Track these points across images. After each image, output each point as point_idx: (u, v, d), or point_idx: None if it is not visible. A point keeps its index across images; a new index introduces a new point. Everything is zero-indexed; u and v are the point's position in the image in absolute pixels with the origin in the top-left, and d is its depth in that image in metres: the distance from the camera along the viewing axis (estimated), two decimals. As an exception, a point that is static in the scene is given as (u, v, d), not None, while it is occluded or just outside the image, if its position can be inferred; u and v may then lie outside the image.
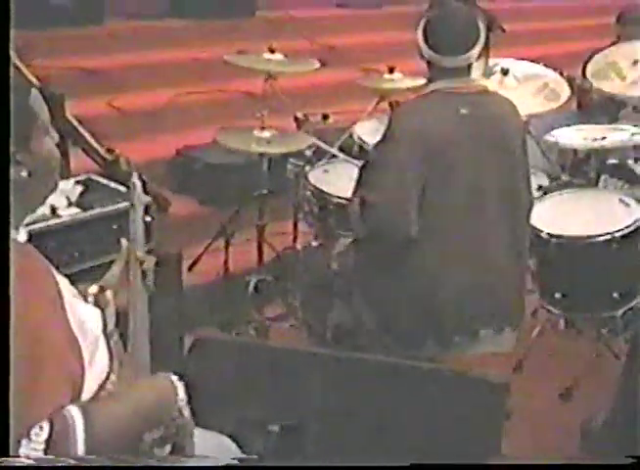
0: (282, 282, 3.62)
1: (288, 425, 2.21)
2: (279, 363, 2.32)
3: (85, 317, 1.47)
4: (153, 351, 1.73)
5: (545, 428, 2.93)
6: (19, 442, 1.21)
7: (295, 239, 3.73)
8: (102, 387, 1.47)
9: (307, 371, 2.30)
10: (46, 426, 1.25)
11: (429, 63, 2.55)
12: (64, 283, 1.47)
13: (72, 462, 1.23)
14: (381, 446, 2.17)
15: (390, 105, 2.80)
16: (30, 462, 1.19)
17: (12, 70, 1.46)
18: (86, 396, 1.41)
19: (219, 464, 1.53)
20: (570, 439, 2.75)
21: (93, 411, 1.33)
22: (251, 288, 3.36)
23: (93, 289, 1.74)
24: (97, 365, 1.46)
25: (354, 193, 2.69)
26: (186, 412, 1.52)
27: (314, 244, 3.55)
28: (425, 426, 2.16)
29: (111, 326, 1.66)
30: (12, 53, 3.62)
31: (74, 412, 1.30)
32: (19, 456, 1.18)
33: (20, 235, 1.48)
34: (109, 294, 1.76)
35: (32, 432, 1.23)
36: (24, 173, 1.44)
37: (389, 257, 2.51)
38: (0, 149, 1.34)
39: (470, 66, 2.54)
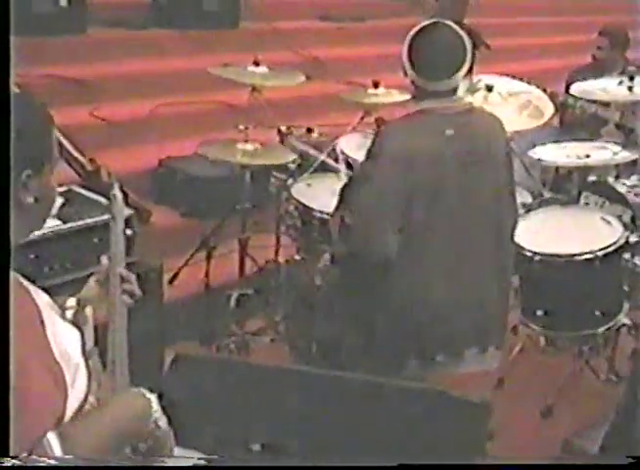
0: (263, 296, 3.60)
1: (269, 444, 2.19)
2: (260, 381, 2.30)
3: (67, 343, 1.45)
4: (132, 366, 1.71)
5: (526, 445, 2.92)
6: None
7: (277, 252, 3.72)
8: (80, 408, 1.45)
9: (288, 389, 2.28)
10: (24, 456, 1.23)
11: (413, 83, 2.53)
12: (44, 303, 1.45)
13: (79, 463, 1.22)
14: (362, 464, 2.16)
15: (377, 123, 2.78)
16: (31, 462, 1.17)
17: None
18: (64, 419, 1.39)
19: (216, 464, 1.52)
20: (550, 456, 2.75)
21: (69, 434, 1.31)
22: (232, 302, 3.34)
23: (71, 302, 1.73)
24: (77, 388, 1.44)
25: (335, 211, 2.68)
26: (162, 423, 1.51)
27: (297, 257, 3.55)
28: (406, 445, 2.15)
29: (89, 345, 1.64)
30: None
31: (51, 438, 1.28)
32: (17, 457, 1.16)
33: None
34: (88, 311, 1.74)
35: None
36: (31, 199, 1.42)
37: (371, 275, 2.50)
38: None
39: (456, 87, 2.53)
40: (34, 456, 1.25)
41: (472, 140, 2.51)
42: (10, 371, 1.19)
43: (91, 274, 1.82)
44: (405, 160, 2.40)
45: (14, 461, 1.18)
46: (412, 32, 2.49)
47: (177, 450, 1.60)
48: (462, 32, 2.50)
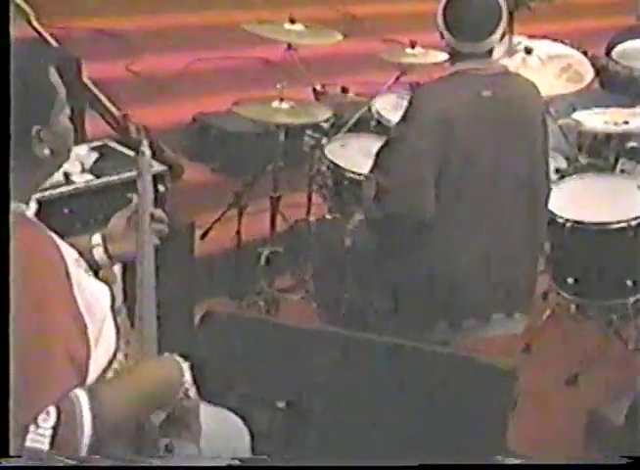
0: (293, 254, 3.62)
1: (294, 402, 2.22)
2: (288, 340, 2.33)
3: (93, 297, 1.46)
4: (161, 322, 1.72)
5: (550, 413, 2.93)
6: (26, 428, 1.21)
7: (308, 211, 3.72)
8: (109, 365, 1.47)
9: (315, 349, 2.30)
10: (53, 412, 1.25)
11: (449, 44, 2.51)
12: (72, 259, 1.46)
13: (72, 462, 1.23)
14: (385, 426, 2.18)
15: (411, 86, 2.76)
16: (30, 463, 1.19)
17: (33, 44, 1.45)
18: (93, 375, 1.41)
19: (221, 464, 1.53)
20: (575, 425, 2.76)
21: (99, 393, 1.33)
22: (262, 260, 3.35)
23: (96, 238, 1.75)
24: (104, 344, 1.46)
25: (370, 173, 2.67)
26: (192, 393, 1.52)
27: (328, 217, 3.55)
28: (431, 409, 2.17)
29: (118, 302, 1.64)
30: (30, 12, 3.59)
31: (80, 395, 1.30)
32: (20, 456, 1.18)
33: (29, 209, 1.48)
34: (116, 269, 1.76)
35: (40, 418, 1.23)
36: (47, 151, 1.44)
37: (404, 239, 2.50)
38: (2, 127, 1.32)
39: (491, 49, 2.50)
40: (61, 408, 1.26)
41: (508, 103, 2.49)
42: (10, 371, 1.19)
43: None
44: (441, 121, 2.40)
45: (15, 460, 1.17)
46: None
47: (203, 407, 1.61)
48: None
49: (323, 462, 2.08)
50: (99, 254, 1.72)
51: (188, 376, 1.52)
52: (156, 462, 1.43)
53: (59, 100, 1.48)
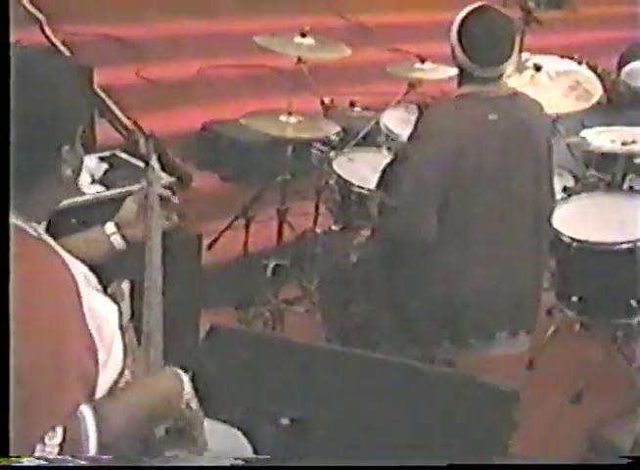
0: (300, 265, 3.63)
1: (298, 419, 2.23)
2: (292, 357, 2.34)
3: (103, 317, 1.47)
4: (167, 333, 1.73)
5: (554, 431, 2.94)
6: (33, 449, 1.22)
7: (315, 221, 3.74)
8: (116, 384, 1.48)
9: (320, 366, 2.32)
10: (59, 429, 1.26)
11: (460, 66, 2.51)
12: (81, 276, 1.47)
13: (82, 462, 1.25)
14: (387, 444, 2.19)
15: (419, 107, 2.77)
16: (31, 463, 1.21)
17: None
18: (99, 394, 1.42)
19: (223, 464, 1.55)
20: (578, 443, 2.76)
21: (103, 409, 1.34)
22: (268, 271, 3.37)
23: (110, 227, 1.78)
24: (112, 364, 1.47)
25: (375, 190, 2.69)
26: (193, 404, 1.53)
27: (334, 228, 3.56)
28: (433, 428, 2.18)
29: (126, 320, 1.66)
30: (42, 18, 3.60)
31: (85, 412, 1.31)
32: (19, 456, 1.20)
33: (39, 228, 1.49)
34: (124, 286, 1.77)
35: (46, 436, 1.24)
36: (69, 172, 1.45)
37: (409, 257, 2.52)
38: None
39: (503, 73, 2.51)
40: (67, 425, 1.27)
41: (514, 126, 2.50)
42: (10, 371, 1.20)
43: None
44: (447, 144, 2.41)
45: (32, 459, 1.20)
46: (461, 15, 2.46)
47: (206, 424, 1.63)
48: (511, 17, 2.48)
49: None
50: (117, 241, 1.76)
51: (188, 387, 1.53)
52: (157, 462, 1.44)
53: (82, 119, 1.50)
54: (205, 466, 1.56)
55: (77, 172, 1.50)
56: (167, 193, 1.82)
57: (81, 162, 1.52)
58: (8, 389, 1.19)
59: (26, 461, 1.21)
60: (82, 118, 1.49)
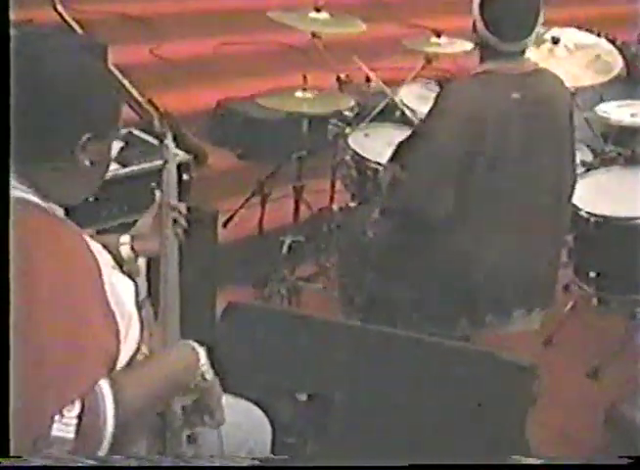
0: (316, 242, 3.63)
1: (315, 394, 2.24)
2: (310, 333, 2.34)
3: (122, 293, 1.48)
4: (184, 311, 1.74)
5: (571, 407, 2.94)
6: (52, 419, 1.23)
7: (331, 199, 3.73)
8: (132, 359, 1.49)
9: (337, 342, 2.32)
10: (77, 402, 1.27)
11: (482, 41, 2.45)
12: (99, 253, 1.48)
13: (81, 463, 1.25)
14: (404, 420, 2.20)
15: (439, 82, 2.73)
16: (32, 463, 1.21)
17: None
18: (116, 369, 1.43)
19: (230, 464, 1.55)
20: (595, 418, 2.76)
21: (120, 381, 1.35)
22: (285, 248, 3.36)
23: (125, 238, 1.78)
24: (130, 339, 1.48)
25: (388, 163, 2.67)
26: (209, 376, 1.54)
27: (351, 205, 3.55)
28: (450, 404, 2.18)
29: (142, 296, 1.67)
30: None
31: (103, 385, 1.32)
32: (20, 457, 1.20)
33: (59, 210, 1.49)
34: (141, 262, 1.78)
35: (65, 409, 1.26)
36: (87, 162, 1.44)
37: (423, 232, 2.50)
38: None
39: (526, 48, 2.46)
40: (85, 398, 1.28)
41: (537, 104, 2.46)
42: (10, 371, 1.21)
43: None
44: (469, 123, 2.37)
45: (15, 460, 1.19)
46: None
47: (225, 399, 1.63)
48: None
49: (343, 455, 2.12)
50: (126, 251, 1.75)
51: (204, 359, 1.54)
52: (176, 462, 1.45)
53: (110, 106, 1.49)
54: (224, 466, 1.55)
55: (99, 167, 1.49)
56: (179, 204, 1.82)
57: (105, 158, 1.52)
58: (8, 389, 1.20)
59: (30, 460, 1.21)
60: (108, 105, 1.48)
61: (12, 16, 1.45)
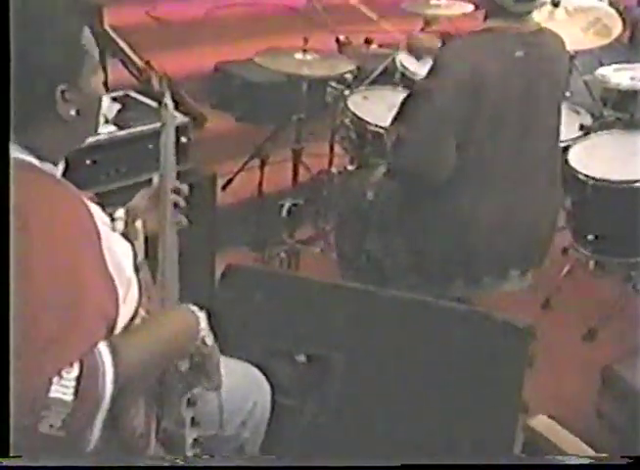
0: (315, 205, 3.63)
1: (314, 355, 2.25)
2: (308, 295, 2.35)
3: (120, 257, 1.48)
4: (182, 275, 1.74)
5: (567, 368, 2.96)
6: (50, 381, 1.23)
7: (330, 162, 3.72)
8: (131, 321, 1.49)
9: (335, 304, 2.33)
10: (76, 364, 1.27)
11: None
12: (98, 216, 1.48)
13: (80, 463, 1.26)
14: (402, 381, 2.21)
15: (442, 37, 2.69)
16: (32, 463, 1.22)
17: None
18: (116, 331, 1.43)
19: (230, 464, 1.55)
20: (591, 380, 2.78)
21: (119, 344, 1.35)
22: (284, 211, 3.36)
23: (119, 213, 1.75)
24: (128, 301, 1.48)
25: (392, 123, 2.65)
26: (209, 341, 1.54)
27: (350, 168, 3.55)
28: (447, 365, 2.20)
29: (140, 258, 1.66)
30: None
31: (101, 347, 1.32)
32: (19, 456, 1.20)
33: (55, 170, 1.49)
34: (138, 224, 1.77)
35: (63, 371, 1.25)
36: (73, 112, 1.43)
37: (423, 193, 2.49)
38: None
39: (534, 8, 2.44)
40: (84, 360, 1.28)
41: (540, 63, 2.44)
42: (10, 372, 1.20)
43: (145, 182, 1.85)
44: (470, 80, 2.34)
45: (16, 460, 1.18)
46: None
47: (224, 361, 1.64)
48: None
49: (342, 417, 2.14)
50: (119, 227, 1.73)
51: (204, 323, 1.54)
52: (176, 463, 1.45)
53: (90, 61, 1.46)
54: (218, 466, 1.56)
55: (87, 113, 1.47)
56: (180, 186, 1.80)
57: (93, 102, 1.49)
58: (8, 389, 1.19)
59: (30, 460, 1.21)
60: (81, 56, 1.44)
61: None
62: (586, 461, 1.31)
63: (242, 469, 1.46)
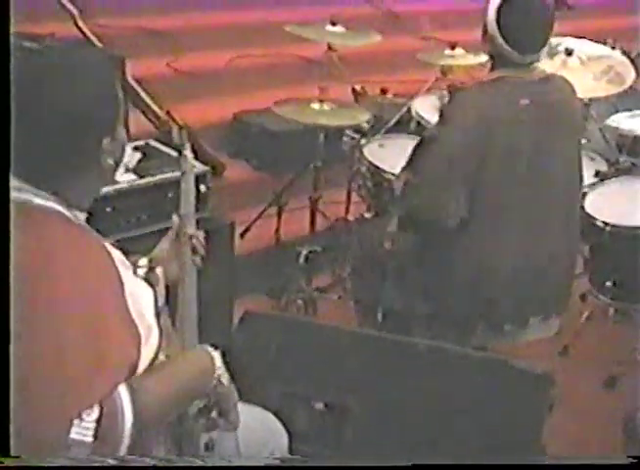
0: (332, 253, 3.65)
1: (332, 403, 2.25)
2: (326, 341, 2.36)
3: (141, 302, 1.50)
4: (201, 321, 1.76)
5: (587, 416, 2.93)
6: (71, 422, 1.25)
7: (347, 209, 3.75)
8: (150, 365, 1.50)
9: (353, 350, 2.33)
10: (96, 406, 1.29)
11: (496, 51, 2.47)
12: (120, 260, 1.49)
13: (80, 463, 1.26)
14: (421, 428, 2.20)
15: (449, 89, 2.75)
16: (31, 463, 1.23)
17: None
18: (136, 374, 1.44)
19: (247, 464, 1.55)
20: (613, 428, 2.75)
21: (138, 387, 1.36)
22: (301, 259, 3.38)
23: (143, 261, 1.78)
24: (149, 346, 1.49)
25: (402, 171, 2.69)
26: (225, 380, 1.55)
27: (367, 216, 3.57)
28: (467, 412, 2.19)
29: (161, 303, 1.68)
30: (75, 12, 3.64)
31: (121, 389, 1.33)
32: (19, 456, 1.21)
33: (81, 216, 1.52)
34: (159, 271, 1.79)
35: (84, 413, 1.27)
36: (111, 162, 1.48)
37: (439, 242, 2.51)
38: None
39: (539, 58, 2.49)
40: (104, 402, 1.29)
41: (547, 109, 2.48)
42: (10, 372, 1.22)
43: (167, 229, 1.89)
44: (476, 127, 2.39)
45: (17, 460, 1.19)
46: (499, 0, 2.42)
47: (241, 407, 1.64)
48: (549, 0, 2.46)
49: (360, 463, 2.13)
50: (141, 273, 1.76)
51: (219, 363, 1.54)
52: (194, 462, 1.46)
53: (120, 109, 1.51)
54: (243, 466, 1.57)
55: (118, 161, 1.53)
56: (196, 233, 1.84)
57: (123, 150, 1.55)
58: (8, 389, 1.21)
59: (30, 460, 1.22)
60: (120, 108, 1.50)
61: (34, 29, 1.48)
62: (587, 461, 1.29)
63: (258, 469, 1.44)
